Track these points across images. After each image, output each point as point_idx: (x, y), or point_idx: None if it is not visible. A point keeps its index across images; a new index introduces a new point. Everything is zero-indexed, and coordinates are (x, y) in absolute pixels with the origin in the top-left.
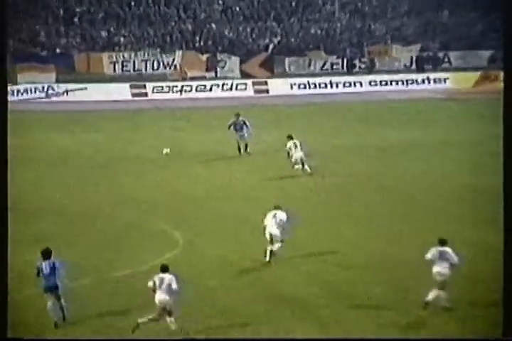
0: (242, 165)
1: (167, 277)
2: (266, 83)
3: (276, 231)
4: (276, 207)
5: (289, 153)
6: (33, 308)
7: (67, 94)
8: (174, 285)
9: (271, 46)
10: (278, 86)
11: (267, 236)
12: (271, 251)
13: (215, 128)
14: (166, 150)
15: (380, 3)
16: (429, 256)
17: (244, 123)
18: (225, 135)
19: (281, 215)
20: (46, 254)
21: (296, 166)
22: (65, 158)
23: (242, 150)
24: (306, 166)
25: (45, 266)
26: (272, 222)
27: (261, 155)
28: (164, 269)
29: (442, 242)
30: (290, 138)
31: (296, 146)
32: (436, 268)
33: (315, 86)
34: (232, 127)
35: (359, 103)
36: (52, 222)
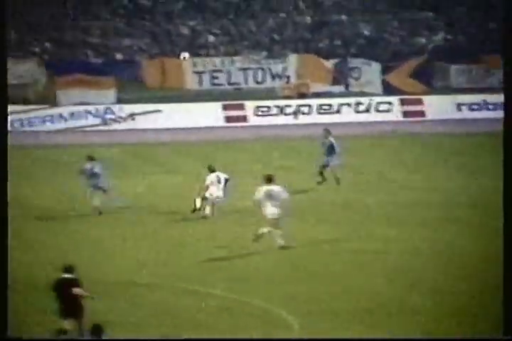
0: None
1: None
2: (421, 102)
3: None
4: None
5: None
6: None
7: (134, 119)
8: None
9: (429, 47)
10: (439, 106)
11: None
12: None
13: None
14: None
15: None
16: (257, 196)
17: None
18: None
19: None
20: None
21: None
22: (137, 210)
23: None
24: None
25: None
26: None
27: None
28: None
29: (269, 179)
30: None
31: None
32: (267, 210)
33: (494, 107)
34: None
35: None
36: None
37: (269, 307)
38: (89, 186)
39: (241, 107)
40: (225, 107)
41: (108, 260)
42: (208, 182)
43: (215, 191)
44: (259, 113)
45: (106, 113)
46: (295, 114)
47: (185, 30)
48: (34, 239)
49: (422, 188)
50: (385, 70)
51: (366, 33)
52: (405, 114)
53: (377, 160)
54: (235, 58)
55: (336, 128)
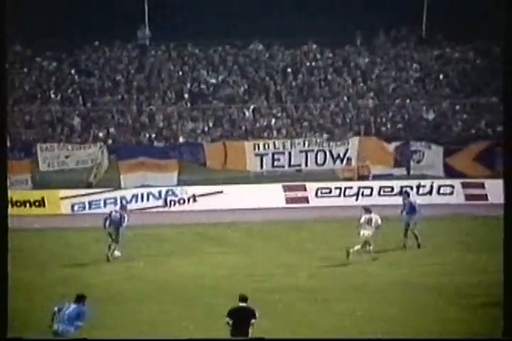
0: None
1: None
2: (483, 186)
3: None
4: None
5: None
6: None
7: (195, 200)
8: None
9: (491, 132)
10: (502, 189)
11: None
12: None
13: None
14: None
15: None
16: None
17: None
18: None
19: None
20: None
21: None
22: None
23: None
24: None
25: None
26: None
27: None
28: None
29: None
30: None
31: None
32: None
33: None
34: None
35: None
36: None
37: None
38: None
39: (303, 189)
40: (286, 188)
41: None
42: None
43: None
44: (321, 194)
45: (167, 195)
46: (356, 195)
47: (247, 114)
48: None
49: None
50: (447, 153)
51: (428, 115)
52: (468, 197)
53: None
54: (296, 141)
55: (396, 211)
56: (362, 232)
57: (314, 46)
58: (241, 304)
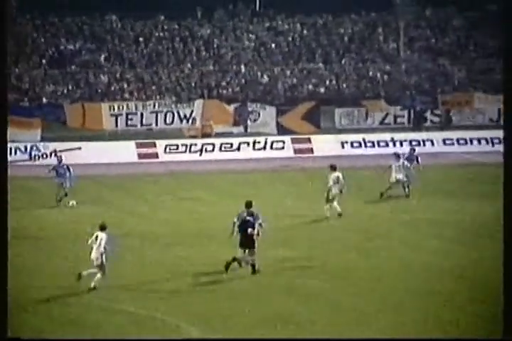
0: None
1: None
2: (309, 141)
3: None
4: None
5: None
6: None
7: (56, 155)
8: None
9: (316, 94)
10: (325, 144)
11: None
12: None
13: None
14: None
15: (458, 38)
16: None
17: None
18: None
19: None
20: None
21: None
22: (52, 237)
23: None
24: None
25: None
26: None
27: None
28: None
29: None
30: None
31: None
32: None
33: (373, 144)
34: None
35: (429, 166)
36: None
37: None
38: None
39: (153, 146)
40: (138, 145)
41: None
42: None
43: None
44: (169, 151)
45: (32, 150)
46: (200, 151)
47: (103, 78)
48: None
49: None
50: (279, 113)
51: (264, 80)
52: (296, 151)
53: (275, 191)
54: (147, 103)
55: (236, 165)
56: (333, 190)
57: (162, 18)
58: None
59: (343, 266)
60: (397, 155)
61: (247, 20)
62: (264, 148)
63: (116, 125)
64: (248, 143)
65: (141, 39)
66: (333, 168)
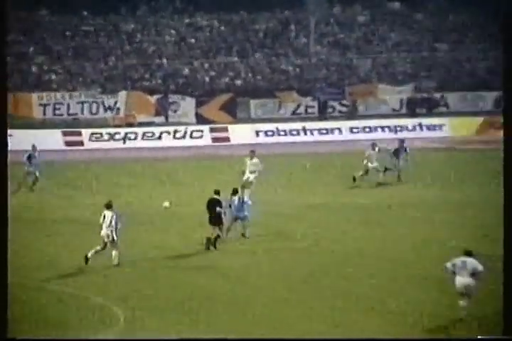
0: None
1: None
2: (226, 130)
3: None
4: None
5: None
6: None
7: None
8: None
9: (233, 86)
10: (241, 133)
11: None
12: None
13: (165, 184)
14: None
15: (364, 34)
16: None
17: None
18: (178, 191)
19: None
20: None
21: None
22: None
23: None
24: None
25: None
26: None
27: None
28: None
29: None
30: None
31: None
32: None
33: (285, 133)
34: None
35: (338, 153)
36: None
37: None
38: None
39: (78, 134)
40: (65, 134)
41: None
42: None
43: None
44: (93, 139)
45: None
46: (123, 140)
47: (33, 69)
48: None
49: None
50: (198, 104)
51: (184, 73)
52: (214, 139)
53: (196, 177)
54: (74, 93)
55: (157, 153)
56: (247, 176)
57: (87, 13)
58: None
59: None
60: (373, 145)
61: (169, 17)
62: (184, 136)
63: (45, 114)
64: (169, 132)
65: (67, 33)
66: (253, 154)
